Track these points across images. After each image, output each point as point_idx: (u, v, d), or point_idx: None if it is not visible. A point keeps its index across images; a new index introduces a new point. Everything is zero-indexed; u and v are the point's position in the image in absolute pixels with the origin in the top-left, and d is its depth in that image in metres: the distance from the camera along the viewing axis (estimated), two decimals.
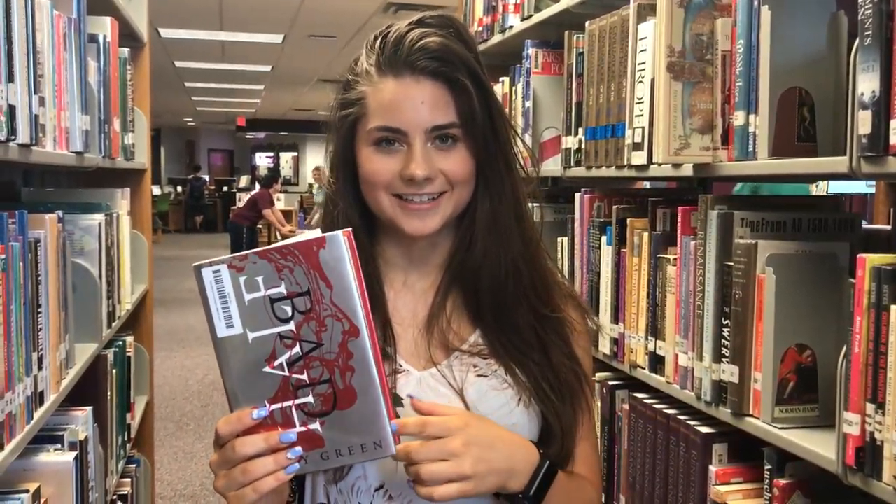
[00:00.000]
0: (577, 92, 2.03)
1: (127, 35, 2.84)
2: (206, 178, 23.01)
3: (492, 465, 1.01)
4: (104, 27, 2.40)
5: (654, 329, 1.71)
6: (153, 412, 3.29)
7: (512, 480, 1.03)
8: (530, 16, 2.33)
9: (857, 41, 1.10)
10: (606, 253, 1.92)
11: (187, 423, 5.47)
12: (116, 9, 2.57)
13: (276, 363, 0.94)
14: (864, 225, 1.65)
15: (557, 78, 2.27)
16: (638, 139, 1.68)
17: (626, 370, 1.84)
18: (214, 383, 6.29)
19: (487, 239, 1.13)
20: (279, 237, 10.93)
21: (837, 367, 1.18)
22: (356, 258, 0.93)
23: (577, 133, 2.03)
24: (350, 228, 0.96)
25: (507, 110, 2.39)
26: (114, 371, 2.40)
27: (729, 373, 1.44)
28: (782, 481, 1.35)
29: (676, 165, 1.57)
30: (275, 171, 21.51)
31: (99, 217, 2.17)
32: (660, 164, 1.59)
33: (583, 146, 1.99)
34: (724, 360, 1.46)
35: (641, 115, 1.67)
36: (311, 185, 15.79)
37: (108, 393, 2.31)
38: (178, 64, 12.06)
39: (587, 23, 1.94)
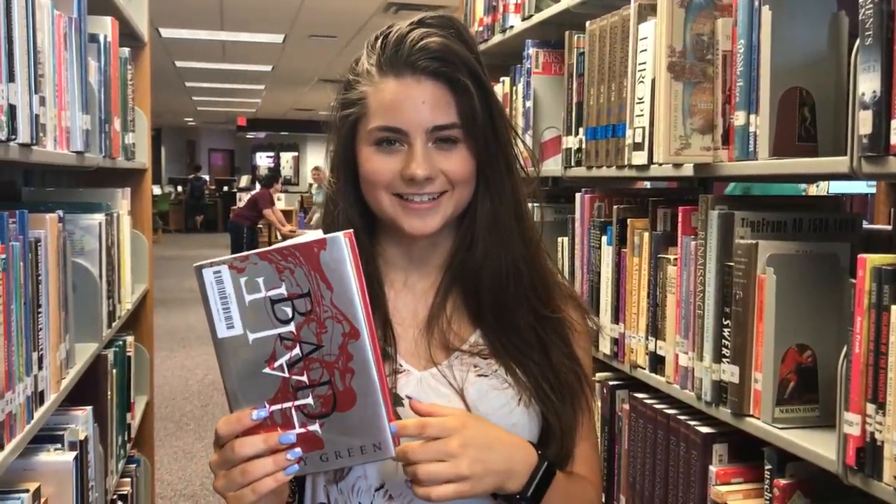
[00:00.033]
0: (577, 92, 2.03)
1: (127, 35, 2.84)
2: (207, 177, 23.02)
3: (489, 466, 1.01)
4: (105, 27, 2.40)
5: (655, 329, 1.71)
6: (153, 412, 3.29)
7: (510, 481, 1.03)
8: (531, 16, 2.33)
9: (857, 41, 1.10)
10: (607, 253, 1.92)
11: (187, 423, 5.47)
12: (117, 8, 2.57)
13: (276, 364, 0.94)
14: (865, 225, 1.65)
15: (558, 78, 2.27)
16: (638, 139, 1.68)
17: (626, 370, 1.84)
18: (214, 383, 6.29)
19: (488, 239, 1.13)
20: (279, 237, 10.93)
21: (838, 368, 1.18)
22: (357, 260, 0.93)
23: (577, 133, 2.03)
24: (351, 230, 0.95)
25: (507, 110, 2.39)
26: (114, 371, 2.41)
27: (729, 373, 1.44)
28: (783, 481, 1.35)
29: (677, 165, 1.57)
30: (275, 171, 21.48)
31: (99, 217, 2.17)
32: (660, 164, 1.59)
33: (583, 146, 1.99)
34: (724, 360, 1.46)
35: (642, 115, 1.66)
36: (310, 185, 15.79)
37: (109, 393, 2.31)
38: (179, 64, 12.06)
39: (588, 23, 1.94)
